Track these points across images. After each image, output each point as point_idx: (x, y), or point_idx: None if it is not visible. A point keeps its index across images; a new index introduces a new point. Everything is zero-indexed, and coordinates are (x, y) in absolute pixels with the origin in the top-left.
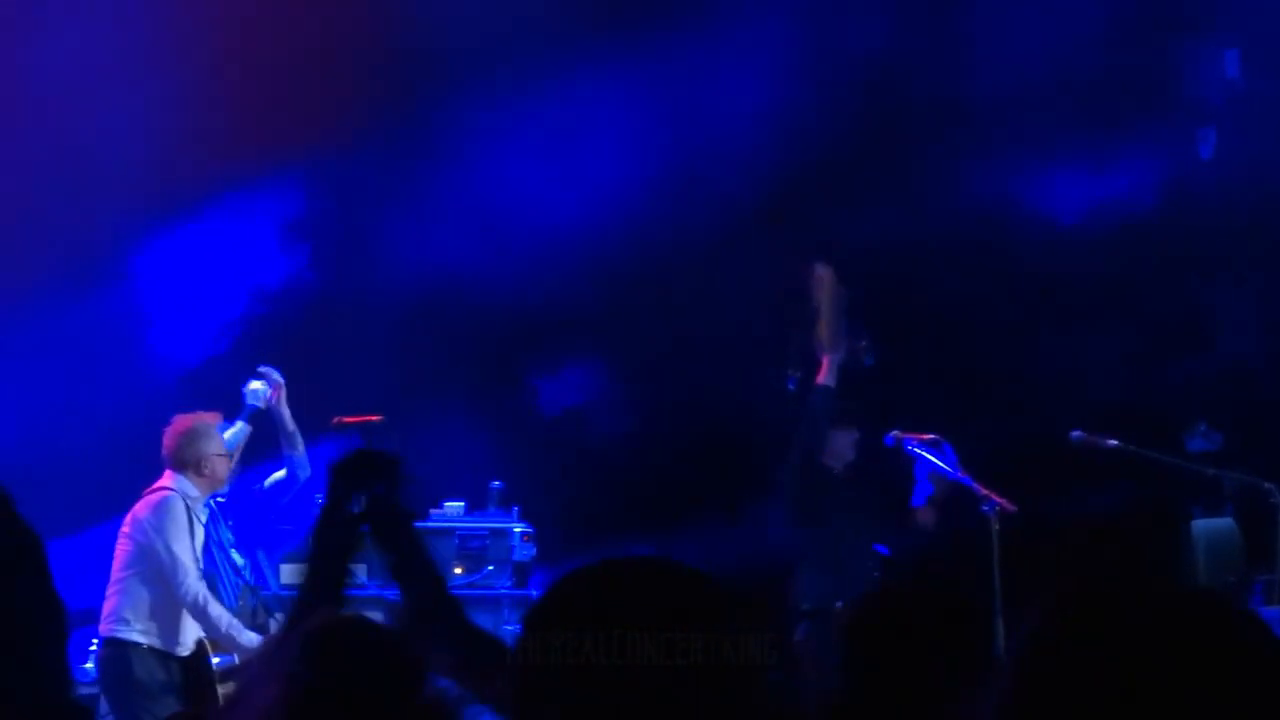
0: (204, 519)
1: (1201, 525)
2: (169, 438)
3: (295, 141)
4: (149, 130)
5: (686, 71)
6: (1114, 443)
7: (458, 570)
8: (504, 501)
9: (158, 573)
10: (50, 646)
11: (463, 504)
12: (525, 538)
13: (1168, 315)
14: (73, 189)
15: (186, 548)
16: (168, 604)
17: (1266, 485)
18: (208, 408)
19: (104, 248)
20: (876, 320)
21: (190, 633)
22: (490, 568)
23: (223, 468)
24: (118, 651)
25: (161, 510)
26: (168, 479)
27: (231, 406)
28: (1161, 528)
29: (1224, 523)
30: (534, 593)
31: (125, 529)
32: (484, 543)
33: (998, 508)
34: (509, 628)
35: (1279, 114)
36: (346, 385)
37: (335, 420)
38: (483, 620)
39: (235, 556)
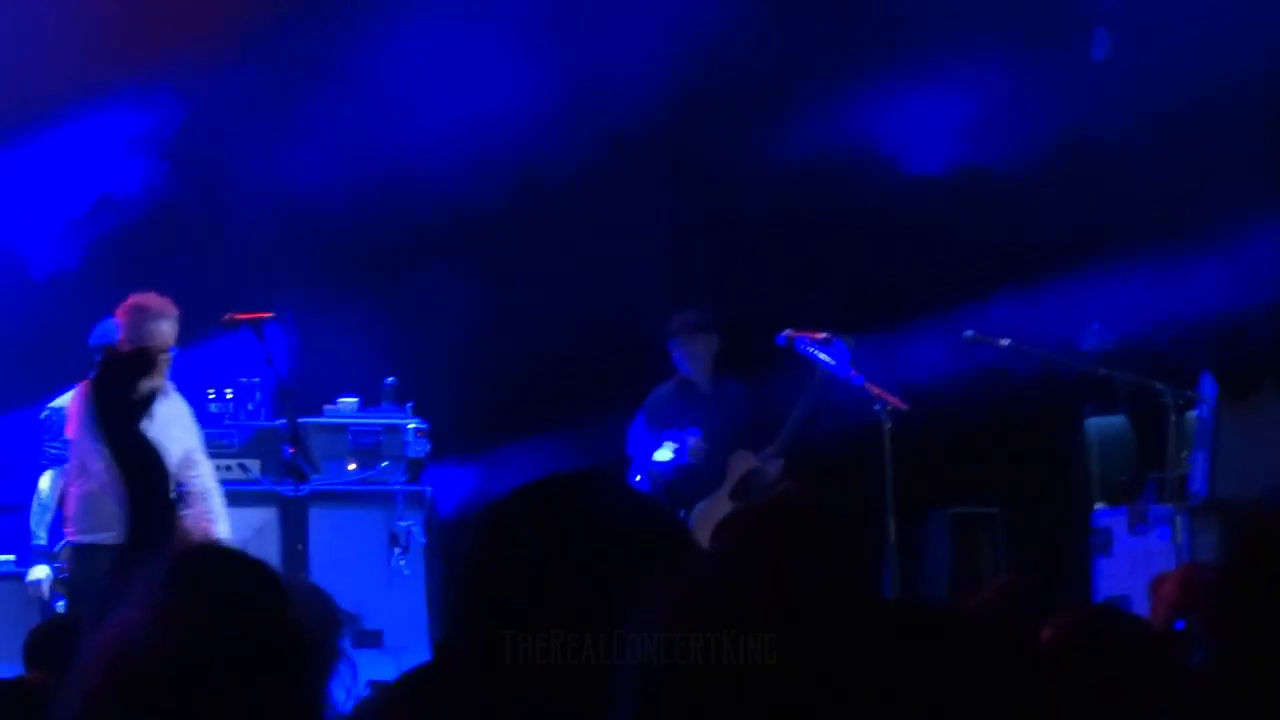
0: None
1: (1095, 424)
2: None
3: (164, 54)
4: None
5: None
6: (1006, 341)
7: (351, 466)
8: (398, 398)
9: None
10: None
11: (356, 400)
12: (419, 434)
13: (1059, 220)
14: None
15: None
16: None
17: (1158, 385)
18: (63, 320)
19: None
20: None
21: None
22: (384, 464)
23: None
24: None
25: None
26: None
27: (86, 319)
28: (1057, 427)
29: (1117, 421)
30: (427, 489)
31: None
32: (378, 439)
33: (889, 407)
34: (402, 523)
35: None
36: (236, 285)
37: (226, 317)
38: (376, 516)
39: None
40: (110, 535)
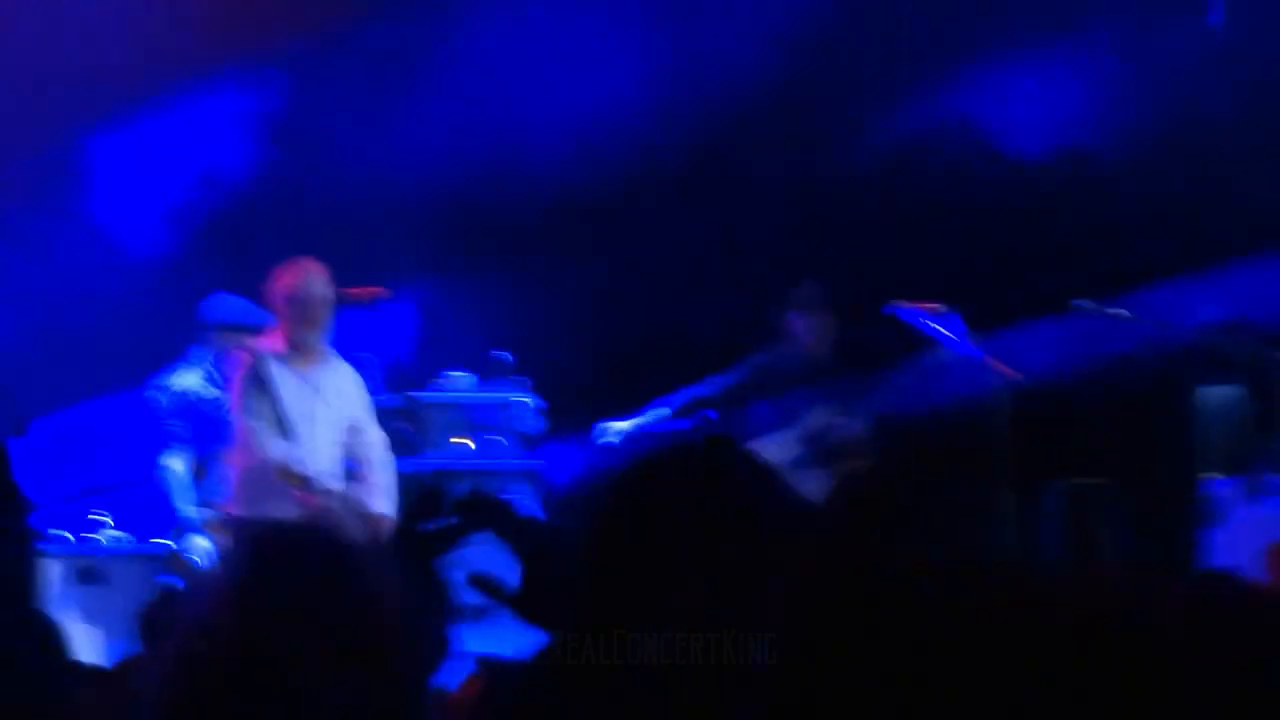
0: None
1: (1210, 393)
2: None
3: (274, 36)
4: (121, 21)
5: None
6: (1120, 311)
7: (465, 442)
8: (512, 373)
9: None
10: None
11: (470, 375)
12: (534, 410)
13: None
14: (40, 82)
15: None
16: None
17: (1275, 354)
18: (169, 300)
19: (69, 141)
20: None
21: None
22: (492, 438)
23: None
24: None
25: None
26: None
27: (192, 299)
28: (1170, 398)
29: (1233, 390)
30: (541, 464)
31: None
32: (492, 414)
33: (1004, 378)
34: (510, 497)
35: None
36: (348, 264)
37: (339, 292)
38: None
39: None
40: (274, 509)
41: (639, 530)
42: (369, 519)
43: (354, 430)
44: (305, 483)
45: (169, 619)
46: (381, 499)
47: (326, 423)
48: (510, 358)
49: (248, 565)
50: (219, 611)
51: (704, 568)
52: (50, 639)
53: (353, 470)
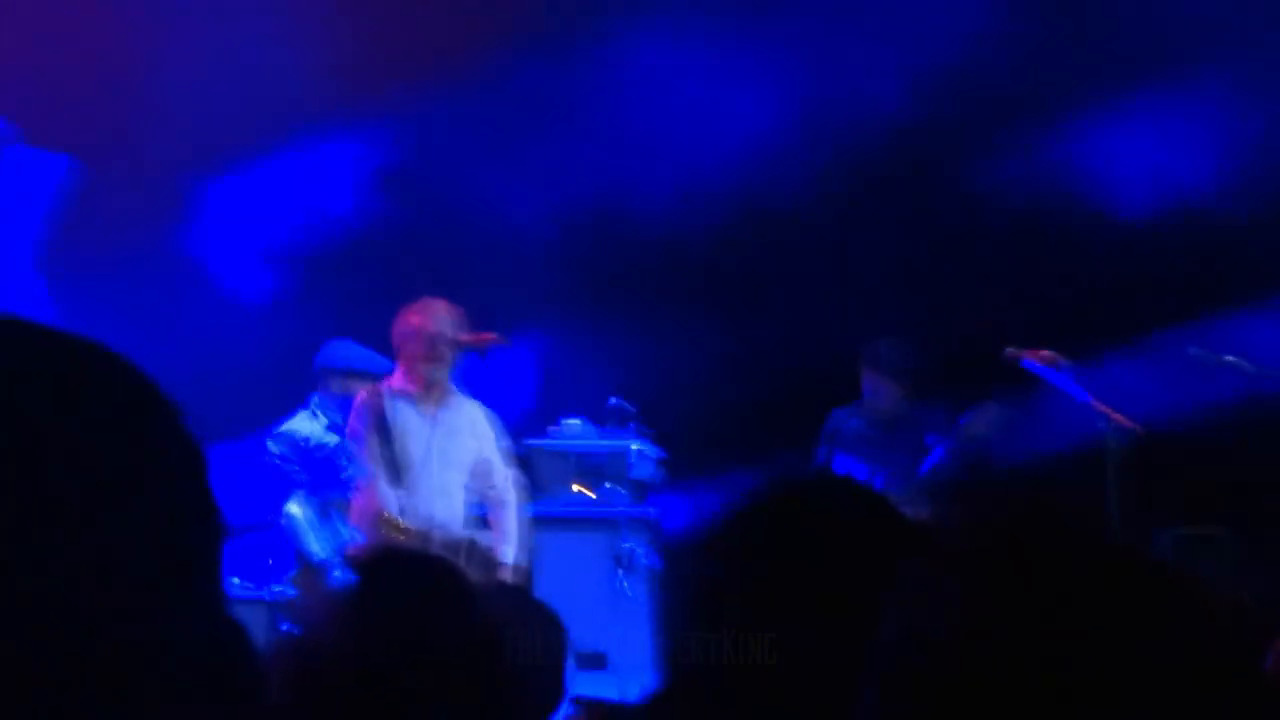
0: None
1: None
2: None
3: (392, 86)
4: (249, 66)
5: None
6: (1232, 358)
7: (576, 488)
8: (624, 420)
9: None
10: (207, 560)
11: (582, 421)
12: (645, 456)
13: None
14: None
15: None
16: None
17: None
18: (282, 345)
19: (190, 183)
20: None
21: None
22: (609, 486)
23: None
24: None
25: None
26: None
27: (303, 341)
28: None
29: None
30: (653, 511)
31: None
32: (603, 461)
33: (1117, 426)
34: (626, 545)
35: None
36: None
37: (453, 338)
38: (601, 539)
39: None
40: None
41: (746, 570)
42: (493, 564)
43: (483, 471)
44: (404, 531)
45: (291, 662)
46: (508, 545)
47: (452, 463)
48: (628, 406)
49: (368, 597)
50: (338, 644)
51: (813, 609)
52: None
53: (483, 515)
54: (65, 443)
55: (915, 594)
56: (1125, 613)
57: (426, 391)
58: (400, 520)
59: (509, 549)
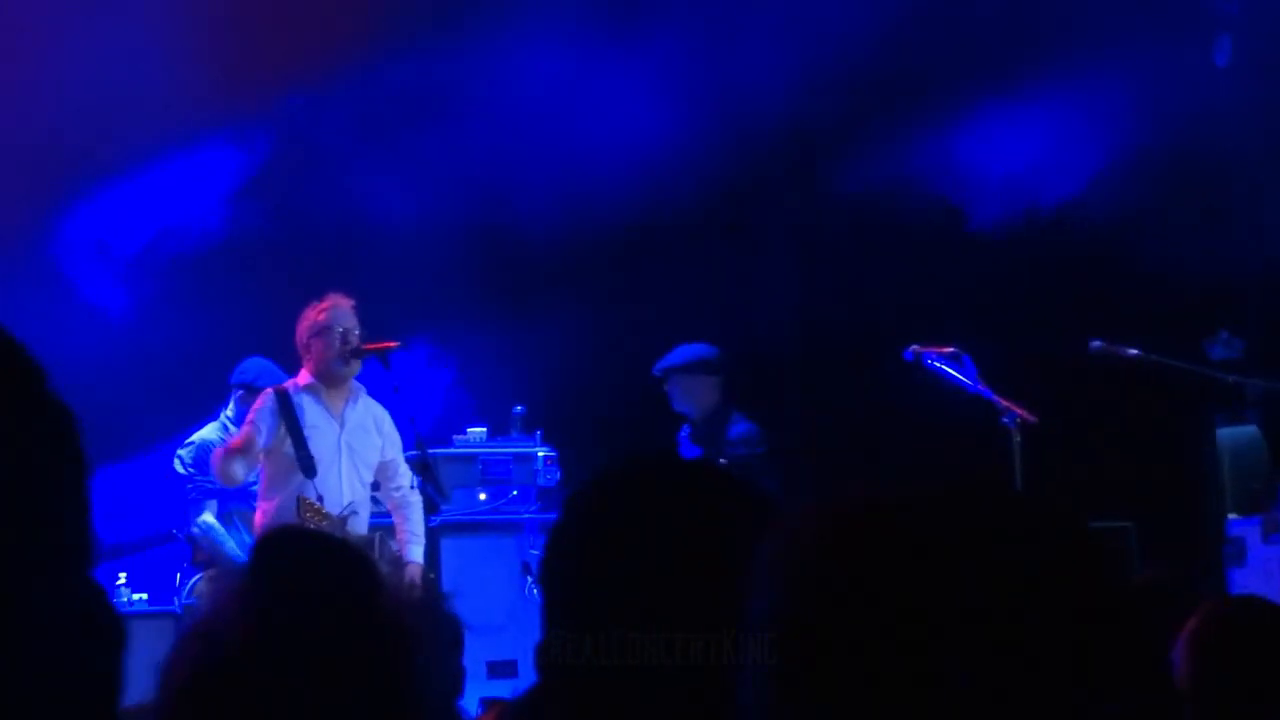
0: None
1: (1226, 433)
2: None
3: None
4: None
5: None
6: (1134, 352)
7: (482, 496)
8: (527, 427)
9: None
10: (78, 515)
11: (485, 429)
12: (549, 461)
13: (1186, 224)
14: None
15: None
16: None
17: None
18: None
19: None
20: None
21: None
22: (515, 492)
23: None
24: None
25: None
26: None
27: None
28: (1188, 438)
29: (1248, 430)
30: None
31: None
32: (508, 468)
33: (1019, 419)
34: (534, 552)
35: None
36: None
37: (356, 345)
38: (507, 545)
39: None
40: None
41: (593, 551)
42: (400, 562)
43: (389, 472)
44: (325, 516)
45: (189, 646)
46: (415, 544)
47: (360, 460)
48: (523, 410)
49: (265, 572)
50: (233, 622)
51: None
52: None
53: (384, 518)
54: None
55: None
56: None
57: (334, 388)
58: (322, 506)
59: (416, 548)
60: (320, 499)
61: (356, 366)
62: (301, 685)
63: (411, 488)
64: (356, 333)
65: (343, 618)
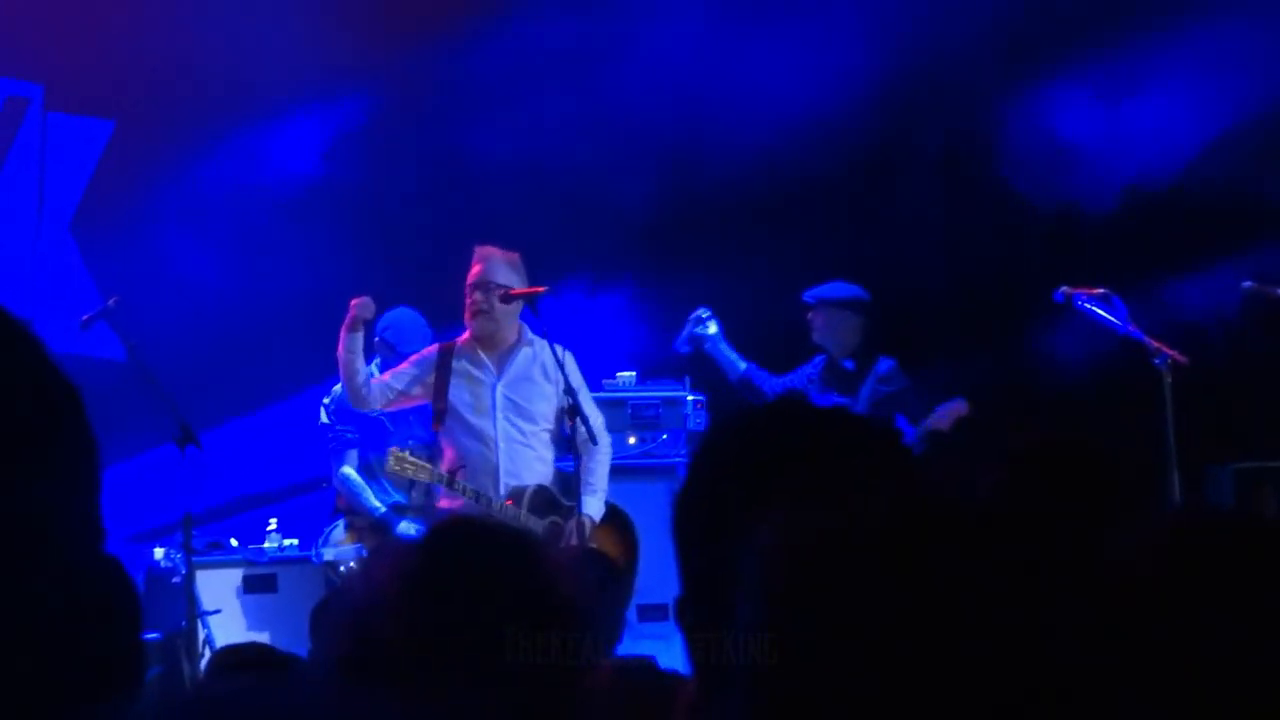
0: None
1: None
2: None
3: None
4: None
5: None
6: None
7: (631, 440)
8: (676, 371)
9: None
10: (84, 493)
11: (634, 374)
12: (698, 406)
13: None
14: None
15: None
16: None
17: None
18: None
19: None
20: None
21: None
22: (664, 436)
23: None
24: None
25: None
26: None
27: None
28: None
29: None
30: None
31: None
32: (657, 411)
33: (1170, 360)
34: None
35: None
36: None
37: (503, 292)
38: (657, 489)
39: None
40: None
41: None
42: (561, 510)
43: (562, 415)
44: (420, 467)
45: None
46: (586, 496)
47: (515, 409)
48: (674, 354)
49: (424, 555)
50: (395, 596)
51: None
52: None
53: (567, 464)
54: None
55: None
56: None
57: (487, 339)
58: (411, 455)
59: (590, 499)
60: (471, 463)
61: (504, 318)
62: (458, 660)
63: (594, 435)
64: (501, 283)
65: (507, 607)
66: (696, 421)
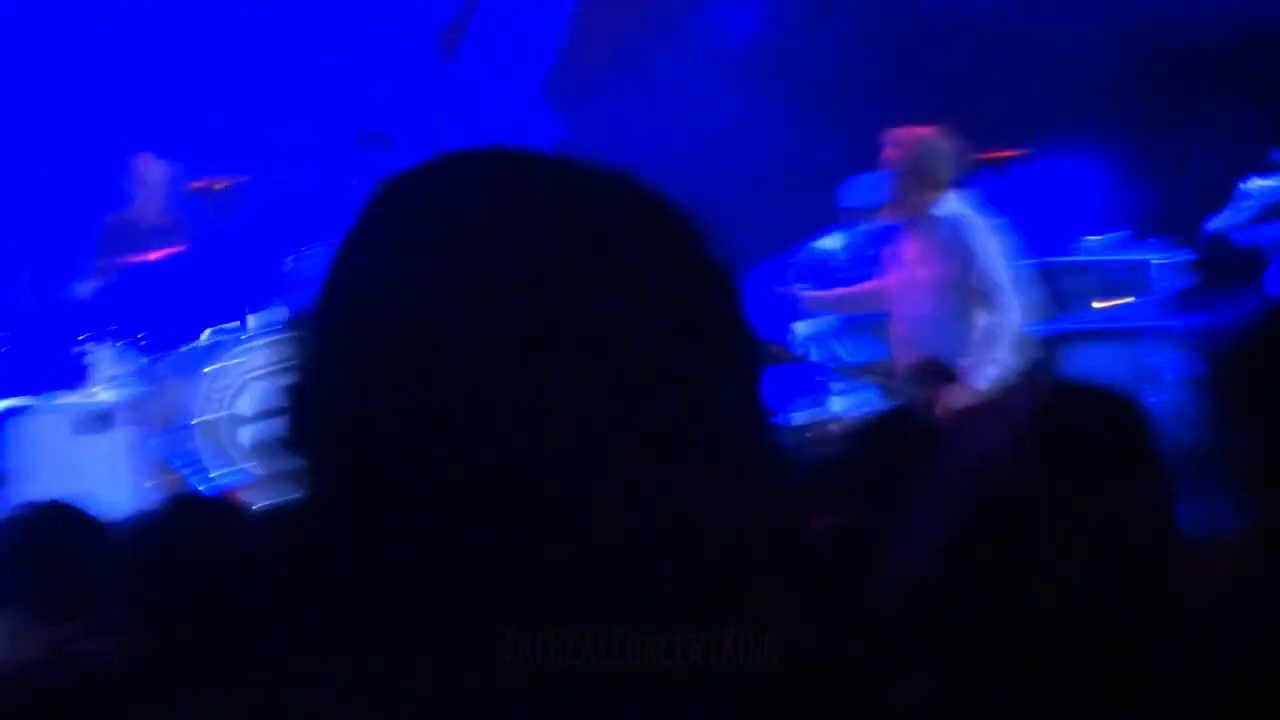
0: None
1: None
2: None
3: None
4: None
5: None
6: None
7: (1096, 305)
8: (1146, 231)
9: None
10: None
11: (1104, 237)
12: (1171, 268)
13: None
14: None
15: None
16: None
17: None
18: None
19: None
20: None
21: None
22: (1132, 300)
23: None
24: None
25: None
26: None
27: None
28: None
29: None
30: (1178, 324)
31: None
32: (1122, 275)
33: None
34: (1150, 359)
35: None
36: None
37: (974, 156)
38: (1121, 354)
39: None
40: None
41: None
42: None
43: (972, 290)
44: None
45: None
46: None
47: (930, 290)
48: (1149, 214)
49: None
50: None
51: None
52: None
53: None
54: (604, 268)
55: None
56: None
57: (905, 218)
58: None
59: (982, 372)
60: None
61: (922, 200)
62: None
63: (1006, 311)
64: (916, 169)
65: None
66: (1166, 285)
